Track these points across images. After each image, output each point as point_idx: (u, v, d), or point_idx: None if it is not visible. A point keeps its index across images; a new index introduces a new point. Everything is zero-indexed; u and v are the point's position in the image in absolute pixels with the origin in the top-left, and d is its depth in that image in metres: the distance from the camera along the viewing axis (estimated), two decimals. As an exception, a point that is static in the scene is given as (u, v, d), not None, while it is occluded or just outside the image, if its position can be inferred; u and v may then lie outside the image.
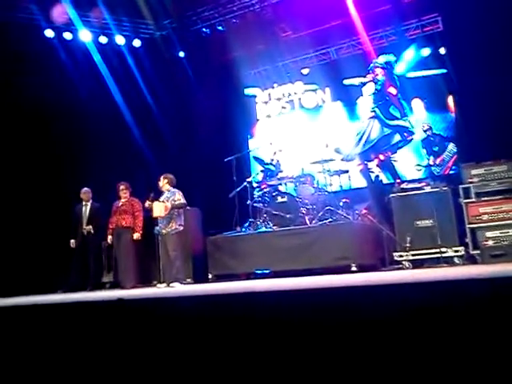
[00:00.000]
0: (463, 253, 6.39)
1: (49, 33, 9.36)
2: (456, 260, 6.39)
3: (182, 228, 7.11)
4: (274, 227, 7.55)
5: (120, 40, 9.99)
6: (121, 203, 7.88)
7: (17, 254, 7.79)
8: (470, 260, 6.42)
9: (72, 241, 8.11)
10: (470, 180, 6.61)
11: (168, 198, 7.08)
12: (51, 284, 7.61)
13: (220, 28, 10.08)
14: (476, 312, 1.99)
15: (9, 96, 8.00)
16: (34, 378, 2.69)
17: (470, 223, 6.48)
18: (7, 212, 7.97)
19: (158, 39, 10.34)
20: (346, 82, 9.98)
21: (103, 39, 9.88)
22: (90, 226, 8.12)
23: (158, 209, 6.96)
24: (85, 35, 9.68)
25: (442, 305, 2.10)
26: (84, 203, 8.31)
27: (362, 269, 6.56)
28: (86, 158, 8.99)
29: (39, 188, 8.41)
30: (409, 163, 9.41)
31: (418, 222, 6.68)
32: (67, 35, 9.57)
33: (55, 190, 8.47)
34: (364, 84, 9.91)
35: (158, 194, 7.28)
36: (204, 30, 10.17)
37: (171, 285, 6.71)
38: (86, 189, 8.33)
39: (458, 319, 1.99)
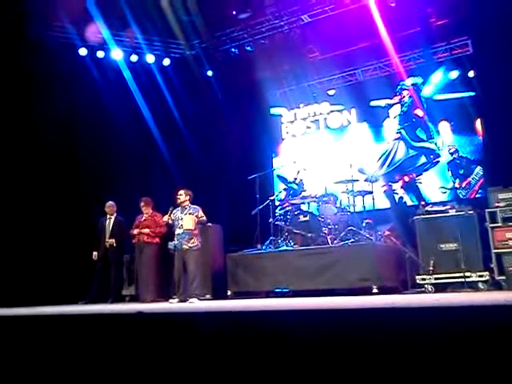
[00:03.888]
0: (488, 278, 6.23)
1: (82, 51, 9.67)
2: (480, 285, 6.24)
3: (200, 245, 7.17)
4: (295, 246, 7.52)
5: (150, 59, 10.24)
6: (144, 218, 7.99)
7: (40, 265, 7.93)
8: (494, 286, 6.25)
9: (94, 253, 8.24)
10: (497, 204, 6.48)
11: (193, 214, 7.15)
12: (73, 295, 7.72)
13: (248, 48, 10.25)
14: (504, 339, 1.95)
15: (42, 111, 8.25)
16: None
17: (495, 248, 6.33)
18: (32, 223, 8.15)
19: (187, 58, 10.55)
20: (373, 103, 9.98)
21: (134, 58, 10.14)
22: (113, 240, 8.24)
23: (191, 222, 7.03)
24: (116, 54, 9.96)
25: (466, 331, 2.06)
26: (108, 217, 8.44)
27: (384, 291, 6.46)
28: (113, 172, 9.18)
29: (64, 200, 8.59)
30: (434, 185, 9.29)
31: (442, 245, 6.56)
32: (100, 54, 9.86)
33: (80, 202, 8.63)
34: (390, 106, 9.89)
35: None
36: (233, 49, 10.35)
37: (190, 300, 6.71)
38: (110, 202, 8.47)
39: (484, 346, 1.95)
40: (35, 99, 8.27)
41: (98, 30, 9.41)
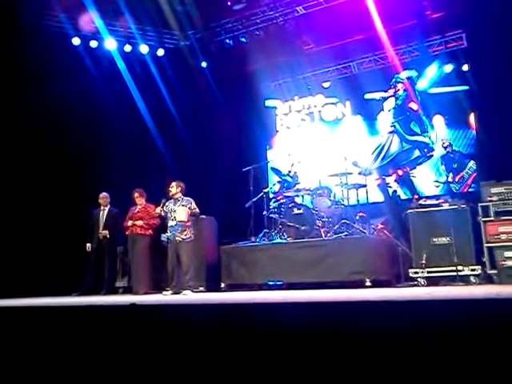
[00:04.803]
0: (480, 272, 6.27)
1: (76, 41, 9.57)
2: (472, 279, 6.27)
3: (193, 237, 7.16)
4: (289, 239, 7.53)
5: (144, 49, 10.16)
6: (137, 210, 7.96)
7: (33, 256, 7.90)
8: (486, 279, 6.29)
9: (88, 245, 8.22)
10: (490, 198, 6.50)
11: (185, 205, 7.14)
12: (67, 286, 7.70)
13: (243, 40, 10.18)
14: (495, 332, 1.96)
15: (34, 100, 8.18)
16: (46, 380, 2.72)
17: (488, 242, 6.37)
18: (25, 215, 8.10)
19: (181, 49, 10.48)
20: (368, 96, 9.97)
21: (128, 48, 10.06)
22: (106, 231, 8.21)
23: (184, 214, 7.01)
24: (110, 43, 9.87)
25: (458, 324, 2.07)
26: (102, 208, 8.41)
27: (377, 284, 6.49)
28: (106, 163, 9.12)
29: (58, 192, 8.53)
30: (427, 179, 9.33)
31: (434, 239, 6.58)
32: (93, 43, 9.77)
33: (74, 194, 8.58)
34: (385, 99, 9.89)
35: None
36: (227, 41, 10.28)
37: (183, 292, 6.71)
38: (104, 194, 8.43)
39: (475, 339, 1.97)
40: (27, 88, 8.19)
41: (91, 19, 9.32)
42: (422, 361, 2.03)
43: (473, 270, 6.29)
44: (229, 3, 9.49)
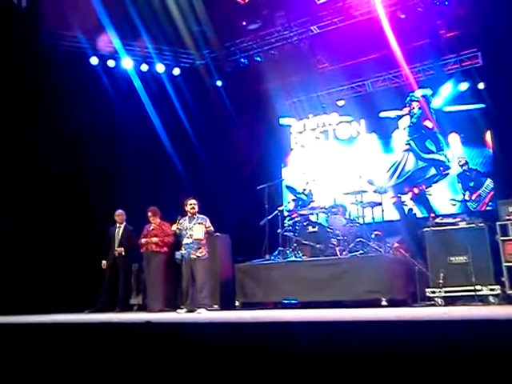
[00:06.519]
0: (499, 292, 6.17)
1: (94, 60, 9.78)
2: (491, 299, 6.17)
3: (208, 254, 7.16)
4: (304, 257, 7.49)
5: (160, 68, 10.33)
6: (152, 227, 8.00)
7: (48, 273, 7.95)
8: (506, 300, 6.18)
9: (104, 262, 8.25)
10: (508, 217, 6.43)
11: (202, 223, 7.15)
12: (81, 303, 7.72)
13: (258, 59, 10.30)
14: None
15: (53, 117, 8.33)
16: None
17: (506, 261, 6.27)
18: (41, 231, 8.17)
19: (196, 68, 10.64)
20: (383, 114, 9.97)
21: (144, 67, 10.25)
22: (122, 248, 8.25)
23: (200, 231, 7.02)
24: (127, 63, 10.06)
25: (476, 345, 2.04)
26: (118, 225, 8.47)
27: (393, 303, 6.41)
28: (123, 180, 9.22)
29: (74, 209, 8.62)
30: (444, 197, 9.24)
31: (452, 258, 6.51)
32: (111, 63, 9.97)
33: (90, 211, 8.65)
34: (400, 117, 9.88)
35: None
36: (242, 60, 10.41)
37: (198, 311, 6.69)
38: (119, 211, 8.50)
39: (494, 361, 1.93)
40: (45, 107, 8.36)
41: (109, 39, 9.52)
42: (437, 381, 1.99)
43: (491, 289, 6.19)
44: (244, 23, 9.62)
